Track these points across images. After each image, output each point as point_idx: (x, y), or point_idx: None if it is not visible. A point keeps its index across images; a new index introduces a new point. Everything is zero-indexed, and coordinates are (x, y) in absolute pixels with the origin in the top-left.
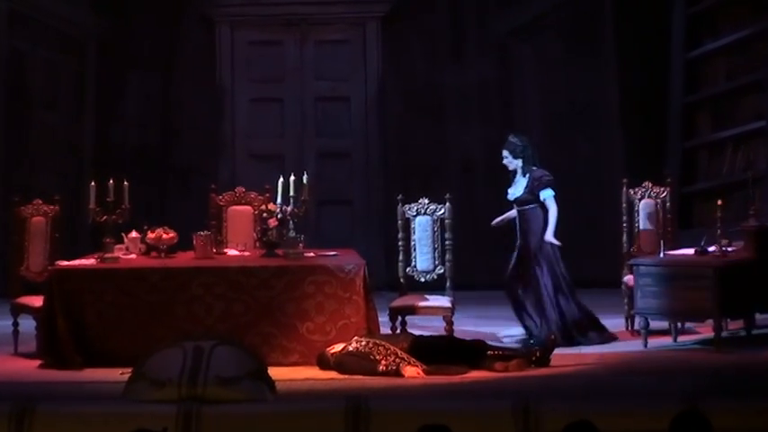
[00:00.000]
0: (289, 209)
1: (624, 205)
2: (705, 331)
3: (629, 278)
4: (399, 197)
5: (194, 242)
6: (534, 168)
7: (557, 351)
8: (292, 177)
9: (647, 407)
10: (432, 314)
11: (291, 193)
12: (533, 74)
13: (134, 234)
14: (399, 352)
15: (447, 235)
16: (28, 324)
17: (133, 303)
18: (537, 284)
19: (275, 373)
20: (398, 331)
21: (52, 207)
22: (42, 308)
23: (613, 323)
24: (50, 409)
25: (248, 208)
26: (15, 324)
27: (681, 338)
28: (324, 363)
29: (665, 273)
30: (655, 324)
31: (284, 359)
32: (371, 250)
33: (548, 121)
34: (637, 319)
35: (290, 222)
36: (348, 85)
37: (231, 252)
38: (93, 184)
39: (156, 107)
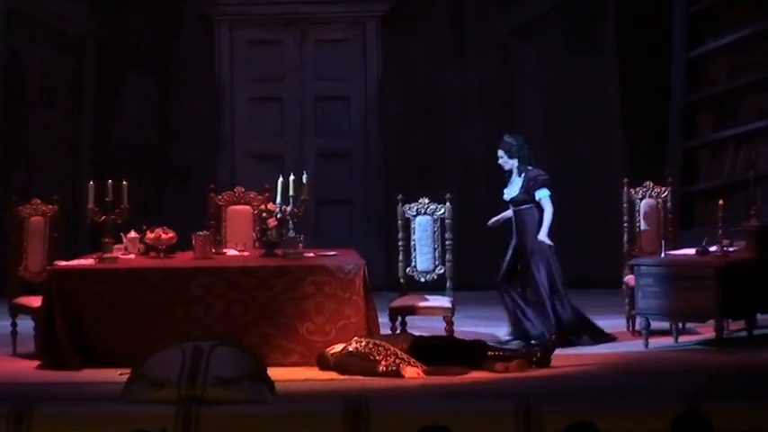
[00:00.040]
0: (288, 209)
1: (625, 205)
2: (706, 332)
3: (629, 278)
4: (399, 197)
5: (193, 242)
6: (530, 168)
7: (557, 352)
8: (292, 177)
9: (648, 408)
10: (432, 314)
11: (291, 193)
12: (534, 73)
13: (133, 234)
14: (399, 352)
15: (447, 235)
16: (26, 324)
17: (132, 304)
18: (535, 284)
19: (275, 373)
20: (398, 332)
21: (51, 207)
22: (41, 308)
23: (614, 323)
24: (49, 410)
25: (247, 208)
26: (14, 324)
27: (682, 339)
28: (323, 363)
29: (666, 273)
30: (656, 324)
31: (284, 360)
32: (371, 250)
33: (548, 121)
34: (638, 320)
35: (290, 222)
36: (348, 84)
37: (230, 252)
38: (91, 183)
39: (154, 106)
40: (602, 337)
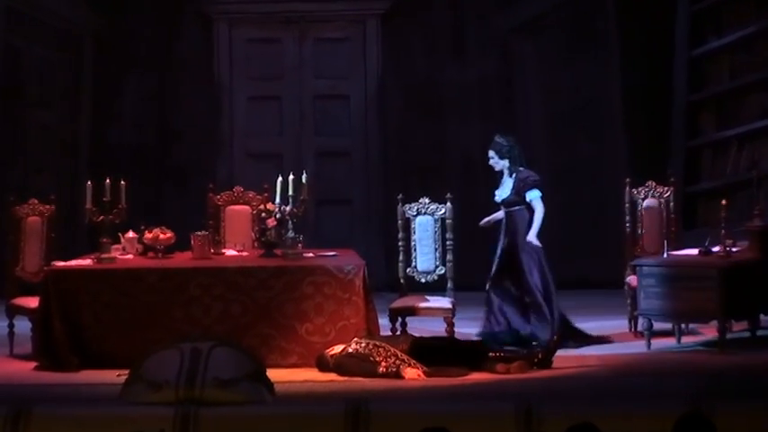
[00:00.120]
0: (287, 208)
1: (627, 205)
2: (709, 333)
3: (631, 279)
4: (399, 197)
5: (192, 242)
6: (521, 169)
7: (559, 353)
8: (291, 176)
9: (651, 409)
10: (432, 315)
11: (290, 193)
12: (535, 72)
13: (131, 234)
14: (399, 353)
15: (448, 235)
16: (23, 325)
17: (130, 304)
18: (529, 287)
19: (274, 374)
20: (398, 333)
21: (48, 207)
22: (38, 309)
23: (616, 324)
24: (46, 412)
25: (246, 207)
26: (11, 325)
27: (684, 340)
28: (323, 364)
29: (668, 273)
30: (658, 325)
31: (283, 361)
32: (371, 250)
33: (549, 120)
34: (640, 321)
35: (289, 222)
36: (347, 83)
37: (229, 252)
38: (89, 183)
39: (153, 106)
40: (585, 339)
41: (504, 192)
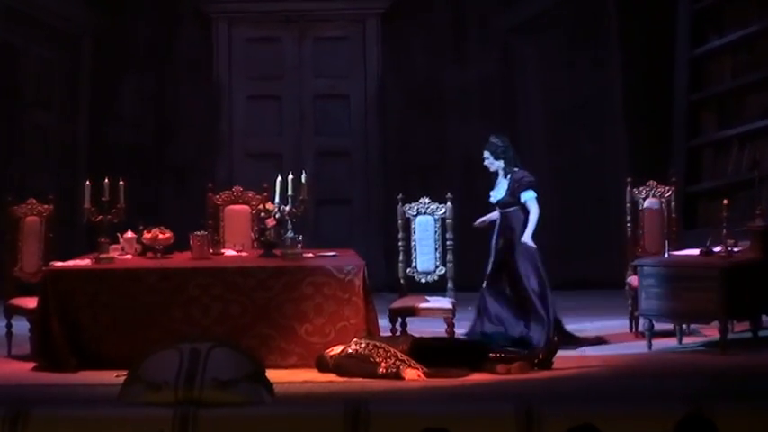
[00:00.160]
0: (287, 208)
1: (628, 205)
2: (711, 333)
3: (632, 279)
4: (399, 196)
5: (191, 242)
6: (516, 170)
7: (559, 353)
8: (290, 176)
9: (652, 410)
10: (432, 316)
11: (290, 193)
12: (536, 71)
13: (130, 234)
14: (399, 354)
15: (448, 235)
16: (22, 326)
17: (129, 305)
18: (524, 289)
19: (273, 375)
20: (398, 333)
21: (46, 207)
22: (36, 309)
23: (617, 325)
24: (45, 413)
25: (246, 207)
26: (9, 326)
27: (686, 340)
28: (323, 365)
29: (669, 274)
30: (659, 326)
31: (282, 361)
32: (371, 251)
33: (550, 120)
34: (641, 321)
35: (289, 222)
36: (347, 82)
37: (228, 252)
38: (87, 183)
39: (151, 105)
40: (576, 342)
41: (498, 193)
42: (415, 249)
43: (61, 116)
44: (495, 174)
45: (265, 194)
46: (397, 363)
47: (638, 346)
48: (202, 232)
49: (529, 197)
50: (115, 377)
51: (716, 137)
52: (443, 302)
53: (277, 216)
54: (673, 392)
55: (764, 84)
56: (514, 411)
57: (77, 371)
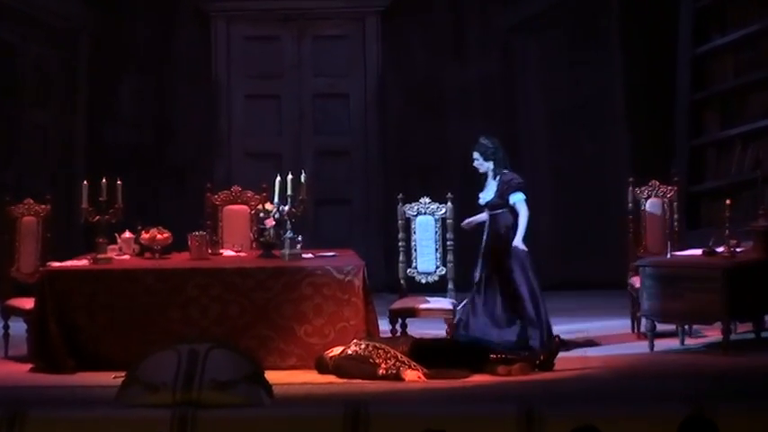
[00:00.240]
0: (286, 208)
1: (630, 205)
2: (713, 334)
3: (634, 279)
4: (400, 196)
5: (189, 243)
6: (505, 171)
7: (561, 354)
8: (290, 176)
9: (654, 411)
10: (433, 316)
11: (289, 193)
12: (536, 70)
13: (127, 234)
14: (399, 355)
15: (449, 235)
16: (19, 327)
17: (127, 305)
18: (516, 292)
19: (272, 376)
20: (398, 334)
21: (44, 206)
22: (33, 310)
23: (619, 325)
24: (42, 414)
25: (244, 207)
26: (6, 327)
27: (688, 341)
28: (322, 366)
29: (671, 274)
30: (661, 327)
31: (281, 362)
32: (371, 251)
33: (551, 119)
34: (643, 322)
35: (288, 222)
36: (347, 81)
37: (227, 253)
38: (85, 182)
39: (149, 104)
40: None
41: (487, 194)
42: (416, 250)
43: (59, 115)
44: (485, 175)
45: (264, 194)
46: (398, 364)
47: (640, 347)
48: (201, 232)
49: (518, 199)
50: (113, 378)
51: (719, 136)
52: (444, 303)
53: (276, 216)
54: (675, 393)
55: (767, 82)
56: (515, 413)
57: (75, 372)
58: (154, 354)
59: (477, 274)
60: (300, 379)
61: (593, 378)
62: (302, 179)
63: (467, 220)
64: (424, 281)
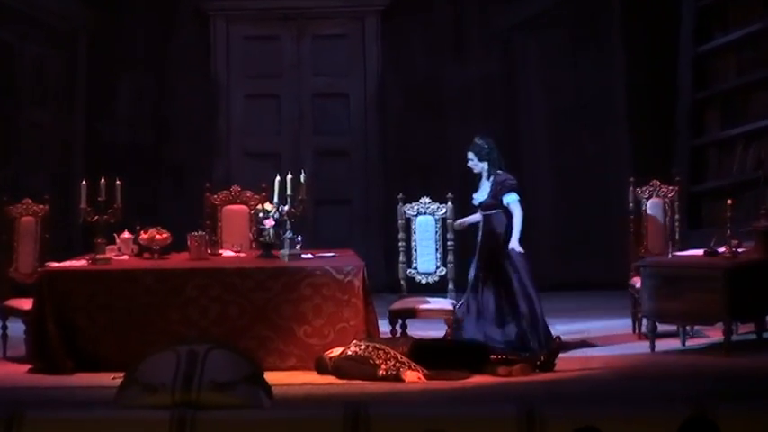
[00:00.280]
0: (286, 208)
1: (631, 205)
2: (715, 335)
3: (635, 280)
4: (400, 196)
5: (188, 243)
6: (499, 172)
7: (561, 355)
8: (289, 176)
9: (655, 412)
10: (433, 317)
11: (288, 193)
12: (537, 70)
13: (126, 234)
14: (399, 356)
15: (449, 235)
16: (17, 327)
17: (125, 306)
18: (511, 293)
19: (272, 377)
20: (398, 335)
21: (42, 206)
22: (32, 310)
23: (620, 326)
24: (40, 415)
25: (244, 207)
26: (4, 327)
27: (689, 342)
28: (322, 367)
29: (673, 274)
30: (662, 327)
31: (281, 363)
32: (371, 251)
33: (552, 119)
34: (644, 322)
35: (287, 222)
36: (347, 81)
37: (226, 253)
38: (84, 182)
39: (148, 104)
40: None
41: (481, 195)
42: (416, 250)
43: (57, 115)
44: (480, 175)
45: (264, 194)
46: (398, 365)
47: (641, 348)
48: (200, 232)
49: (511, 200)
50: (111, 379)
51: (720, 136)
52: (444, 303)
53: (276, 216)
54: (676, 394)
55: None
56: (516, 414)
57: (73, 373)
58: (153, 354)
59: (471, 275)
60: (300, 380)
61: (594, 379)
62: (302, 179)
63: (459, 221)
64: (424, 281)
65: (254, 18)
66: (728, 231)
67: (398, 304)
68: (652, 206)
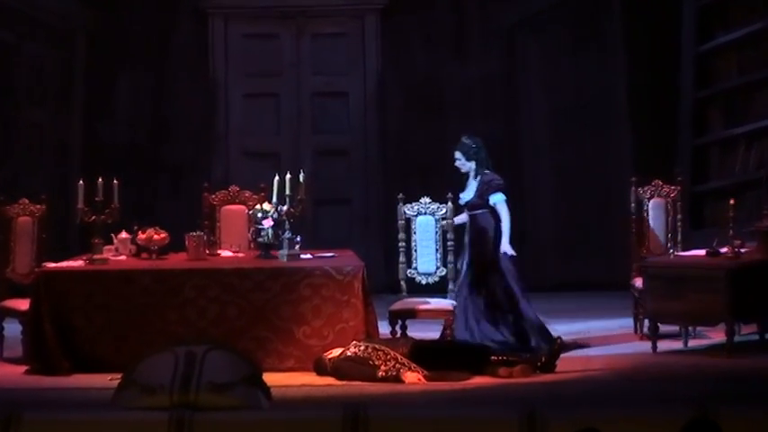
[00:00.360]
0: (285, 208)
1: (633, 205)
2: (717, 335)
3: (637, 280)
4: (399, 196)
5: (186, 243)
6: (486, 172)
7: (562, 356)
8: (288, 176)
9: (657, 413)
10: (433, 317)
11: (287, 192)
12: (538, 68)
13: (124, 235)
14: (399, 357)
15: (449, 236)
16: (14, 328)
17: (123, 306)
18: (502, 294)
19: (270, 378)
20: (398, 335)
21: (39, 207)
22: (29, 311)
23: (622, 326)
24: (37, 417)
25: (242, 207)
26: (1, 328)
27: (692, 343)
28: (321, 368)
29: (675, 275)
30: (664, 328)
31: (280, 364)
32: (370, 251)
33: (553, 118)
34: (646, 323)
35: (286, 222)
36: (346, 79)
37: (225, 253)
38: (81, 182)
39: (147, 103)
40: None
41: (468, 194)
42: (416, 250)
43: (55, 114)
44: (466, 175)
45: (262, 194)
46: (397, 366)
47: (643, 349)
48: (198, 233)
49: (498, 200)
50: (109, 380)
51: (722, 135)
52: (444, 304)
53: (274, 216)
54: (678, 395)
55: None
56: (517, 415)
57: (70, 374)
58: (150, 355)
59: (461, 276)
60: (299, 381)
61: (596, 380)
62: (301, 179)
63: (457, 218)
64: (424, 281)
65: (253, 16)
66: (731, 231)
67: (398, 305)
68: (654, 206)
